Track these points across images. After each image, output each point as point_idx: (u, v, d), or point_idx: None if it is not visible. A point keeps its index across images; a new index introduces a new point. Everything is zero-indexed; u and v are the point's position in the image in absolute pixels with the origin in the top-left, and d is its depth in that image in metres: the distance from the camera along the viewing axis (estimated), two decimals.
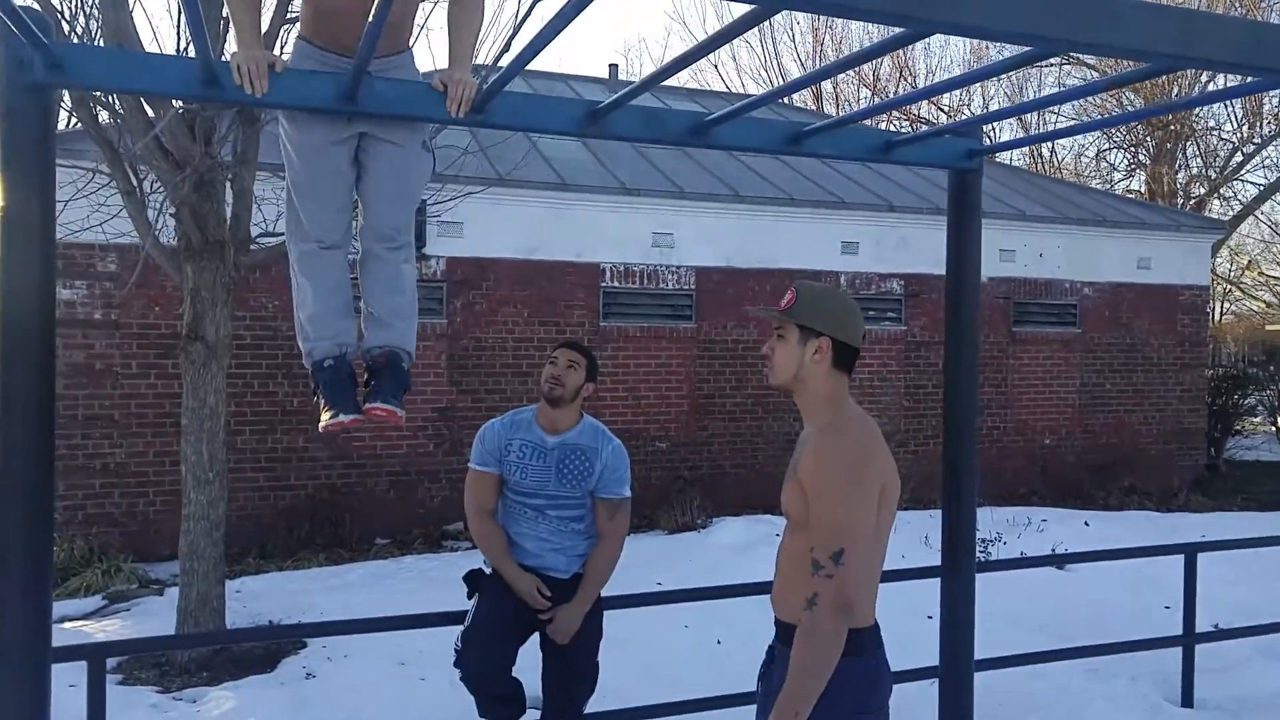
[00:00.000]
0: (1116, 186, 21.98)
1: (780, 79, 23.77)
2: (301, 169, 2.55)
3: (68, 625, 5.47)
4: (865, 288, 10.16)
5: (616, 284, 9.12)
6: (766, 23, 14.83)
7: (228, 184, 5.11)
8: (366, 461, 8.20)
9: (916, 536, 7.54)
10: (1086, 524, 8.59)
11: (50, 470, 2.28)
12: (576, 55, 44.24)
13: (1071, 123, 18.77)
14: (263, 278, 7.67)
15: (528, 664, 3.19)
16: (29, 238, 2.34)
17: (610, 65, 12.94)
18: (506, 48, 4.59)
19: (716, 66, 26.00)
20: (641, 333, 9.20)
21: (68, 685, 3.43)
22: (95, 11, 4.78)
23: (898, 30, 1.75)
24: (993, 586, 5.44)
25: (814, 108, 22.24)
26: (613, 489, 3.18)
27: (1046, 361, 11.08)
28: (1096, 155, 22.89)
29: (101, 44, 4.59)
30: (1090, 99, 19.96)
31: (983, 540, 7.23)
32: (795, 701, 1.95)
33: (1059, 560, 4.72)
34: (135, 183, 5.00)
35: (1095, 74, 18.11)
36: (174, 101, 4.62)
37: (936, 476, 10.67)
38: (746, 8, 1.59)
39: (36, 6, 4.26)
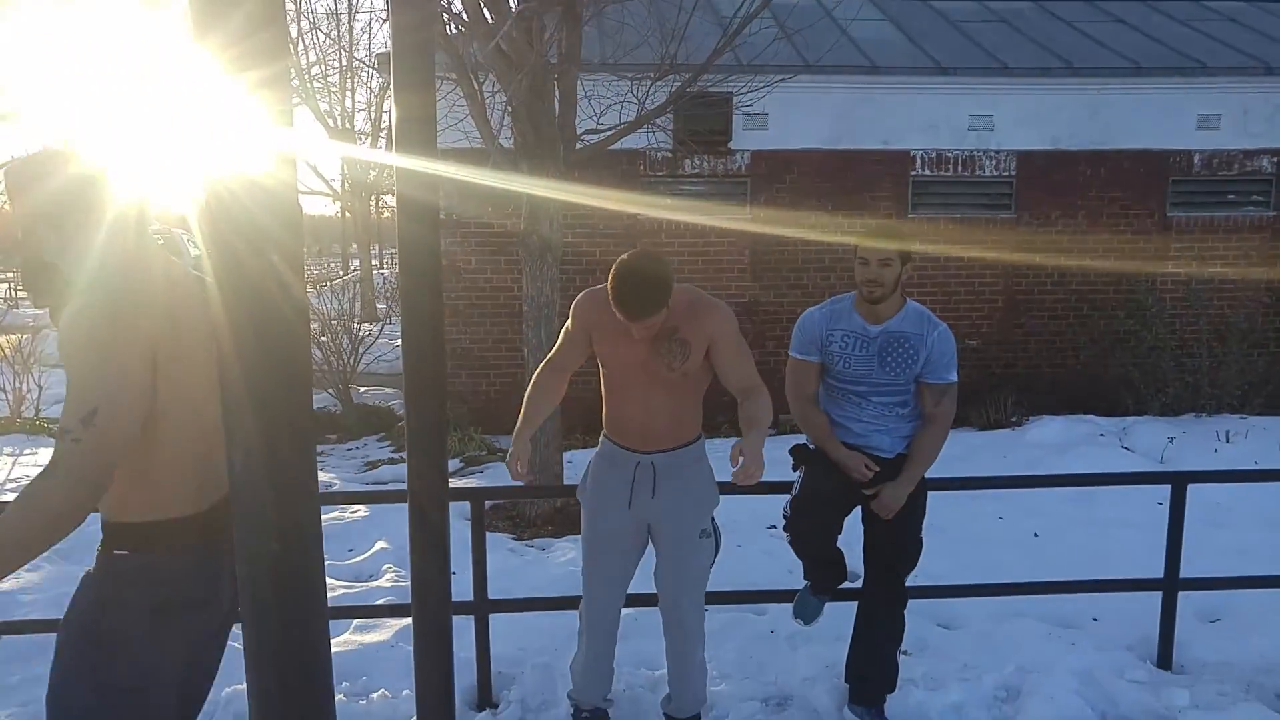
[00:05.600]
0: None
1: None
2: (589, 552, 2.98)
3: None
4: (1225, 168, 8.78)
5: (927, 172, 8.64)
6: None
7: (555, 84, 5.48)
8: None
9: (1275, 443, 6.63)
10: None
11: (442, 351, 2.68)
12: None
13: None
14: (581, 178, 8.18)
15: (851, 538, 3.28)
16: (422, 137, 2.69)
17: None
18: None
19: None
20: (954, 224, 8.69)
21: None
22: None
23: None
24: None
25: None
26: (939, 374, 3.09)
27: None
28: None
29: None
30: None
31: None
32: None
33: None
34: (477, 87, 5.51)
35: None
36: (511, 5, 5.00)
37: None
38: None
39: None
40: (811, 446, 3.29)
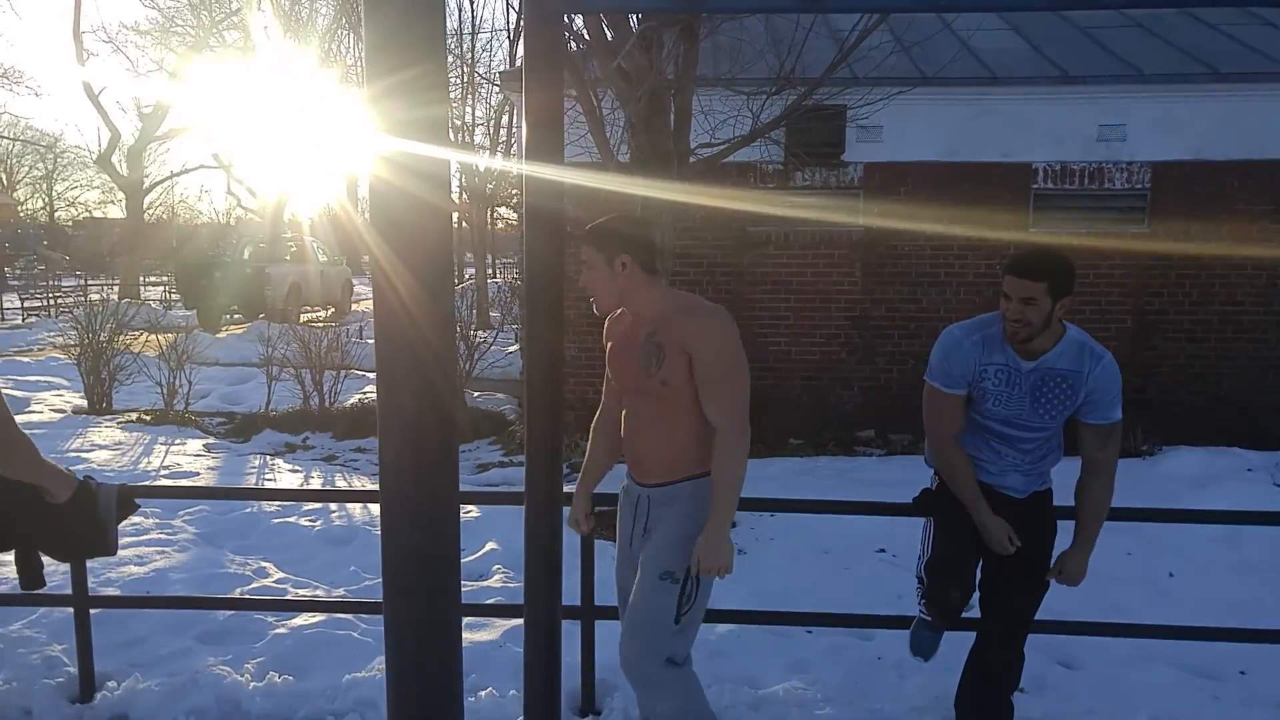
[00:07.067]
0: None
1: None
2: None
3: None
4: None
5: (1050, 185, 8.30)
6: None
7: (672, 100, 5.53)
8: (782, 365, 8.54)
9: None
10: None
11: (560, 356, 2.76)
12: None
13: None
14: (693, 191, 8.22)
15: None
16: (549, 147, 2.78)
17: None
18: None
19: None
20: (1080, 239, 8.30)
21: None
22: None
23: None
24: None
25: None
26: (1103, 413, 2.71)
27: None
28: None
29: None
30: None
31: None
32: None
33: None
34: (596, 103, 5.61)
35: None
36: (631, 24, 5.08)
37: None
38: None
39: None
40: (933, 485, 3.04)
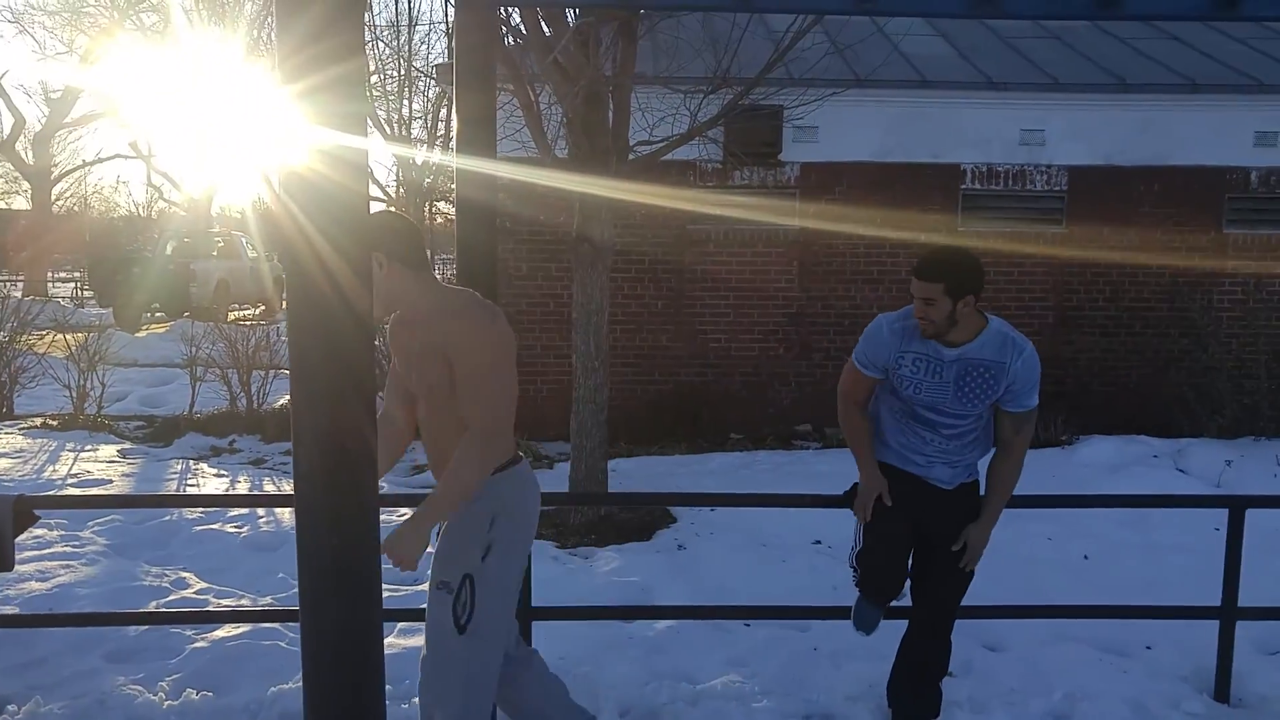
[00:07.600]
0: None
1: None
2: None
3: None
4: None
5: (977, 186, 8.58)
6: None
7: (610, 96, 5.55)
8: (722, 362, 8.63)
9: None
10: None
11: None
12: None
13: None
14: (632, 189, 8.24)
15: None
16: (481, 139, 2.78)
17: None
18: None
19: None
20: (1003, 238, 8.59)
21: None
22: None
23: None
24: None
25: None
26: (1020, 402, 2.84)
27: None
28: None
29: None
30: None
31: None
32: None
33: None
34: (533, 98, 5.60)
35: None
36: (569, 20, 5.08)
37: None
38: None
39: None
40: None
